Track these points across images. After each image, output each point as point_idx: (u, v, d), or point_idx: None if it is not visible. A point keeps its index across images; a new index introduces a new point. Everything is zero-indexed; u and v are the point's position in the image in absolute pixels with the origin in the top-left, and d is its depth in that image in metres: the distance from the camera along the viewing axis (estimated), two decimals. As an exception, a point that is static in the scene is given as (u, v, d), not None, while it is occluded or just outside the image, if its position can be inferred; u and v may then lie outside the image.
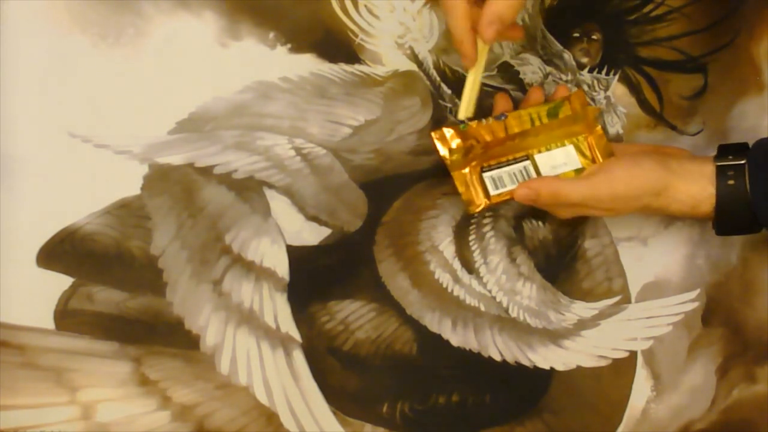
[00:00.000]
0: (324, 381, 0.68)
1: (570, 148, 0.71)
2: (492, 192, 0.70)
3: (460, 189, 0.70)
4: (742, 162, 0.66)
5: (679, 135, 0.75)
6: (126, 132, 0.68)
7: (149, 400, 0.66)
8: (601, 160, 0.71)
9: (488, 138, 0.69)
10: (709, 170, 0.66)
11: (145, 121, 0.68)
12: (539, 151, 0.71)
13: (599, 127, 0.71)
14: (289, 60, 0.71)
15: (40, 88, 0.66)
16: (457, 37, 0.66)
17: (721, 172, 0.66)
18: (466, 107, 0.69)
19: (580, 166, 0.71)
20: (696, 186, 0.66)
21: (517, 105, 0.72)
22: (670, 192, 0.67)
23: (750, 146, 0.67)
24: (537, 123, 0.70)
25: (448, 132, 0.69)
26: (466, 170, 0.70)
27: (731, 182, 0.66)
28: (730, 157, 0.66)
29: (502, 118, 0.70)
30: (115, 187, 0.67)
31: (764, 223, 0.66)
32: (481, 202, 0.70)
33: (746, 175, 0.65)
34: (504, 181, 0.70)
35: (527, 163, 0.70)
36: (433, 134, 0.69)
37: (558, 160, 0.71)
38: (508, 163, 0.70)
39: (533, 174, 0.70)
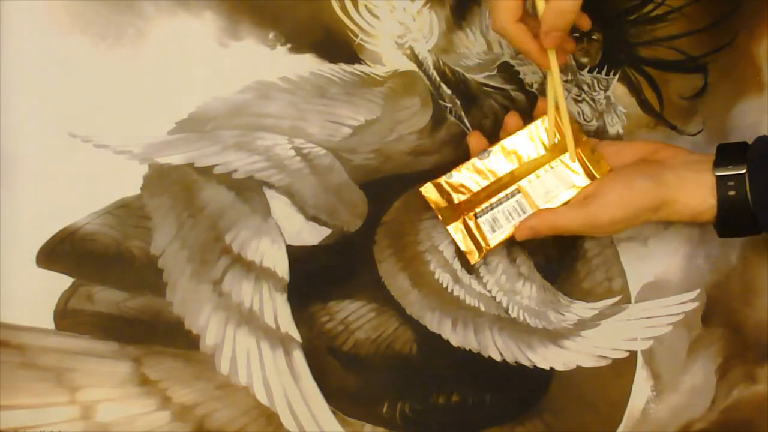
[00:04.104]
0: (324, 381, 0.68)
1: (560, 169, 0.70)
2: (489, 236, 0.69)
3: (458, 241, 0.69)
4: (743, 171, 0.65)
5: (679, 135, 0.75)
6: (126, 132, 0.68)
7: (149, 400, 0.66)
8: (593, 171, 0.70)
9: (475, 183, 0.69)
10: (708, 181, 0.65)
11: (145, 121, 0.68)
12: (529, 181, 0.70)
13: (585, 138, 0.71)
14: (289, 60, 0.71)
15: (40, 88, 0.66)
16: (525, 52, 0.66)
17: (721, 183, 0.65)
18: (571, 148, 0.70)
19: (573, 184, 0.70)
20: (696, 198, 0.66)
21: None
22: (670, 206, 0.66)
23: (749, 145, 0.67)
24: (525, 156, 0.70)
25: (435, 186, 0.69)
26: (460, 221, 0.70)
27: (732, 193, 0.65)
28: (730, 166, 0.65)
29: (485, 155, 0.70)
30: (115, 187, 0.67)
31: (767, 229, 0.66)
32: (481, 250, 0.70)
33: (747, 184, 0.64)
34: (500, 221, 0.70)
35: (519, 196, 0.70)
36: (422, 191, 0.69)
37: (549, 184, 0.70)
38: (500, 202, 0.70)
39: (527, 206, 0.70)
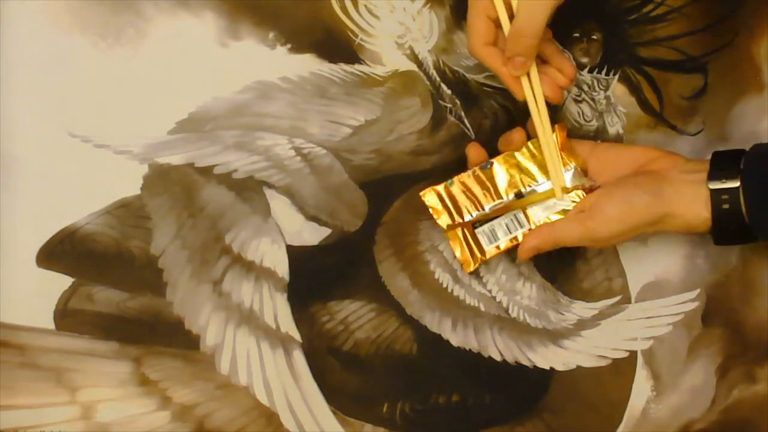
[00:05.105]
0: (324, 381, 0.68)
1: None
2: (486, 247, 0.69)
3: (455, 250, 0.69)
4: (736, 185, 0.64)
5: (679, 135, 0.75)
6: (126, 132, 0.68)
7: (149, 400, 0.66)
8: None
9: (475, 193, 0.69)
10: (703, 194, 0.65)
11: (145, 121, 0.68)
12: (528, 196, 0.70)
13: (577, 154, 0.70)
14: (289, 60, 0.71)
15: (40, 88, 0.66)
16: (499, 78, 0.67)
17: (715, 197, 0.64)
18: (558, 182, 0.69)
19: (570, 207, 0.70)
20: (691, 212, 0.65)
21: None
22: (667, 220, 0.66)
23: (744, 154, 0.65)
24: (526, 170, 0.70)
25: (436, 192, 0.69)
26: (458, 229, 0.69)
27: (726, 206, 0.64)
28: (723, 179, 0.64)
29: (488, 166, 0.70)
30: (115, 187, 0.67)
31: (764, 239, 0.65)
32: (476, 260, 0.70)
33: (741, 197, 0.64)
34: (497, 233, 0.69)
35: (518, 211, 0.70)
36: (422, 197, 0.69)
37: (548, 201, 0.70)
38: (497, 215, 0.69)
39: (524, 221, 0.69)
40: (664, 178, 0.67)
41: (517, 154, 0.70)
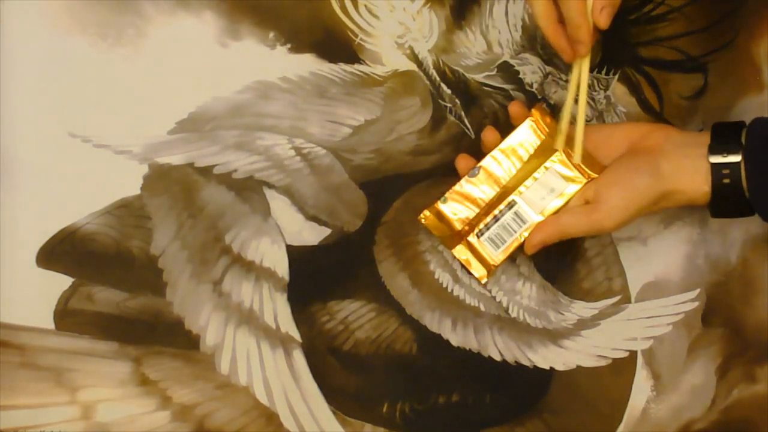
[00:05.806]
0: (324, 381, 0.68)
1: (550, 172, 0.70)
2: (495, 253, 0.69)
3: (467, 264, 0.69)
4: (738, 159, 0.64)
5: (679, 135, 0.75)
6: (126, 132, 0.68)
7: (149, 400, 0.66)
8: (584, 167, 0.69)
9: (471, 202, 0.69)
10: (703, 168, 0.65)
11: (145, 121, 0.68)
12: (523, 189, 0.70)
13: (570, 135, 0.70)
14: (289, 60, 0.71)
15: (40, 88, 0.66)
16: (547, 33, 0.67)
17: (716, 171, 0.64)
18: (578, 150, 0.69)
19: (567, 185, 0.70)
20: (691, 186, 0.65)
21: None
22: (669, 196, 0.66)
23: (744, 127, 0.65)
24: (514, 165, 0.70)
25: (433, 212, 0.69)
26: (463, 243, 0.69)
27: (727, 180, 0.64)
28: (725, 153, 0.64)
29: (476, 173, 0.70)
30: (115, 187, 0.67)
31: (761, 214, 0.65)
32: (489, 269, 0.69)
33: (742, 172, 0.64)
34: (502, 236, 0.69)
35: (516, 208, 0.69)
36: (421, 220, 0.70)
37: (543, 190, 0.70)
38: (498, 217, 0.69)
39: (525, 216, 0.69)
40: (660, 154, 0.67)
41: (499, 151, 0.70)
